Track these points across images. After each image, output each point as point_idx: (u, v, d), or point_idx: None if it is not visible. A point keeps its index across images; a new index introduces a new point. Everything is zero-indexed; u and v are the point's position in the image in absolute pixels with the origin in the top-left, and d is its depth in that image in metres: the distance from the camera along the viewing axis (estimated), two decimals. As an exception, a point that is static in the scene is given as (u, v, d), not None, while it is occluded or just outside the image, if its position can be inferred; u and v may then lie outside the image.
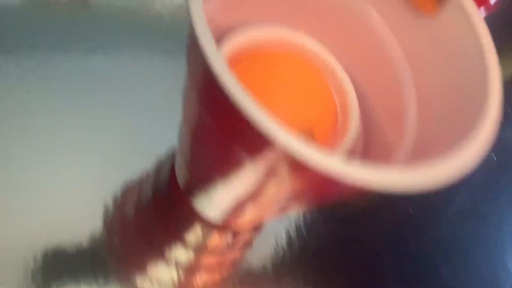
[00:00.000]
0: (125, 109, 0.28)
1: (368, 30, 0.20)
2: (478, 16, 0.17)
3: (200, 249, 0.27)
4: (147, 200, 0.28)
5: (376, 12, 0.19)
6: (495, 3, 0.34)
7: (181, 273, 0.26)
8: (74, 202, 0.25)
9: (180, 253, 0.26)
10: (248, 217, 0.23)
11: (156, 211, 0.28)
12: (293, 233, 0.28)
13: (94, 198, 0.26)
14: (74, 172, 0.26)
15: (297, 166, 0.13)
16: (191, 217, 0.27)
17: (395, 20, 0.19)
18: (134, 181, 0.27)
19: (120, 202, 0.27)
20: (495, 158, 0.35)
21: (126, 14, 0.31)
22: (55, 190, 0.25)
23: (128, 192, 0.27)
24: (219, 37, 0.21)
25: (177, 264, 0.26)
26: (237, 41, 0.21)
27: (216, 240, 0.27)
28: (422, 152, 0.16)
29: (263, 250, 0.28)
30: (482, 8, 0.33)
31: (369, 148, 0.19)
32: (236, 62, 0.21)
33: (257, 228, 0.28)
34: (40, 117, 0.27)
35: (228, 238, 0.28)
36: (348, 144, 0.20)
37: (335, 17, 0.20)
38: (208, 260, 0.27)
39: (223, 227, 0.27)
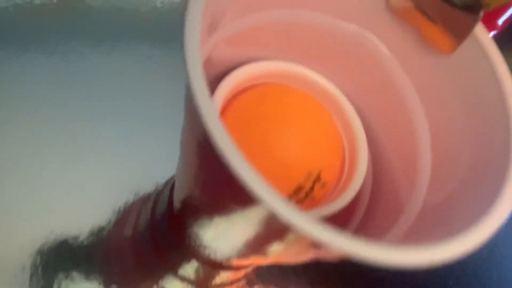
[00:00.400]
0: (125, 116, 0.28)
1: (378, 67, 0.19)
2: (498, 55, 0.16)
3: (198, 283, 0.26)
4: (145, 225, 0.27)
5: (387, 47, 0.18)
6: (504, 23, 0.34)
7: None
8: (72, 215, 0.25)
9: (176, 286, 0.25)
10: (243, 260, 0.22)
11: (153, 239, 0.27)
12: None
13: (93, 212, 0.25)
14: (73, 184, 0.25)
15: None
16: (189, 251, 0.26)
17: (407, 56, 0.18)
18: (135, 201, 0.26)
19: (118, 223, 0.26)
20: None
21: (121, 14, 0.30)
22: (54, 198, 0.25)
23: (128, 213, 0.26)
24: (225, 70, 0.20)
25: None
26: (243, 73, 0.20)
27: (215, 275, 0.26)
28: (433, 211, 0.15)
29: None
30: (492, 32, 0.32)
31: (379, 197, 0.18)
32: (243, 93, 0.20)
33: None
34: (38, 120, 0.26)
35: (226, 273, 0.27)
36: (357, 186, 0.18)
37: (344, 53, 0.19)
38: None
39: (222, 263, 0.25)
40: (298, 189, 0.18)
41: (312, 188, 0.18)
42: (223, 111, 0.20)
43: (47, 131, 0.26)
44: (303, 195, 0.18)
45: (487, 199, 0.12)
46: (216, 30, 0.16)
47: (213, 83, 0.20)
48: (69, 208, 0.25)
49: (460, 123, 0.17)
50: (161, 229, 0.26)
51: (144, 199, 0.27)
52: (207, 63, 0.18)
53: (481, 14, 0.16)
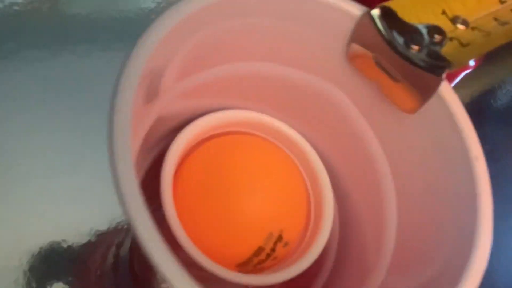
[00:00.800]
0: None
1: (343, 118, 0.18)
2: (463, 115, 0.15)
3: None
4: (110, 265, 0.26)
5: (350, 100, 0.18)
6: (476, 61, 0.33)
7: None
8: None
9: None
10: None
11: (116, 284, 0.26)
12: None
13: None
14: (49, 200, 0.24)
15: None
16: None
17: (371, 111, 0.17)
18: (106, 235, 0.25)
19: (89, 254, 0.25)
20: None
21: (96, 17, 0.29)
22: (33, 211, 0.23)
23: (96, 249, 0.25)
24: (188, 119, 0.19)
25: None
26: (204, 123, 0.19)
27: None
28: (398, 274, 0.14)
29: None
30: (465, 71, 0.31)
31: (345, 261, 0.17)
32: (204, 143, 0.19)
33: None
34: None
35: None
36: (320, 247, 0.18)
37: (309, 103, 0.18)
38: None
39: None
40: (259, 251, 0.17)
41: (273, 249, 0.17)
42: (183, 163, 0.19)
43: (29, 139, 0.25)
44: (264, 256, 0.17)
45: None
46: (160, 94, 0.15)
47: (173, 133, 0.19)
48: (43, 226, 0.24)
49: (424, 182, 0.16)
50: (124, 274, 0.25)
51: (113, 236, 0.26)
52: (161, 121, 0.17)
53: (445, 74, 0.15)
